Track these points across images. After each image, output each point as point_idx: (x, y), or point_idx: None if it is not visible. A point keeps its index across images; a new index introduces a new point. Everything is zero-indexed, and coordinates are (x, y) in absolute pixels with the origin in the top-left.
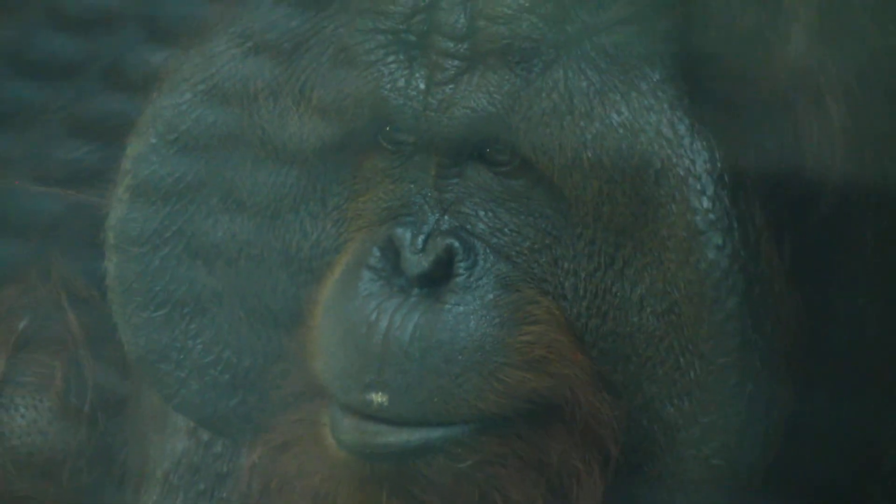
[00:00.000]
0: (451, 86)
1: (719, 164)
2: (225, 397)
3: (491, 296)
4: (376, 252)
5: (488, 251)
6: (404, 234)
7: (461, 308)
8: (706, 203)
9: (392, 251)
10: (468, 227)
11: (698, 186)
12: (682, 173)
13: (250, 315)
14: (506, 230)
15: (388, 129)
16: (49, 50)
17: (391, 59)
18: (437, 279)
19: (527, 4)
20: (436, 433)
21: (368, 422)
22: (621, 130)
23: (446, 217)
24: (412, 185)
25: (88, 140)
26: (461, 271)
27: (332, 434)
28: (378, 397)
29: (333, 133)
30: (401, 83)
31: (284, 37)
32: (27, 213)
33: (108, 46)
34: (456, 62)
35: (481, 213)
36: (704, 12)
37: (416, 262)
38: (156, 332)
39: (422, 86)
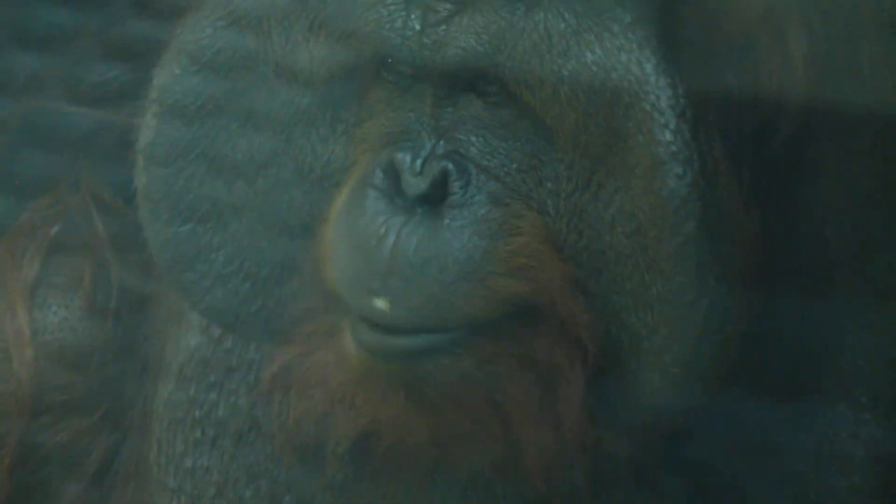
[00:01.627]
0: (443, 27)
1: (682, 101)
2: (246, 304)
3: (482, 211)
4: (379, 173)
5: (480, 172)
6: (404, 158)
7: (456, 223)
8: (668, 136)
9: (393, 173)
10: (461, 151)
11: (662, 120)
12: (647, 108)
13: (268, 228)
14: (495, 153)
15: (389, 61)
16: None
17: (390, 1)
18: (435, 199)
19: None
20: (437, 336)
21: (378, 328)
22: (594, 68)
23: (442, 142)
24: (411, 114)
25: (118, 62)
26: (456, 190)
27: (352, 337)
28: (381, 303)
29: (340, 65)
30: (398, 24)
31: None
32: (60, 130)
33: None
34: (447, 5)
35: (473, 139)
36: None
37: (416, 184)
38: (182, 246)
39: (417, 26)
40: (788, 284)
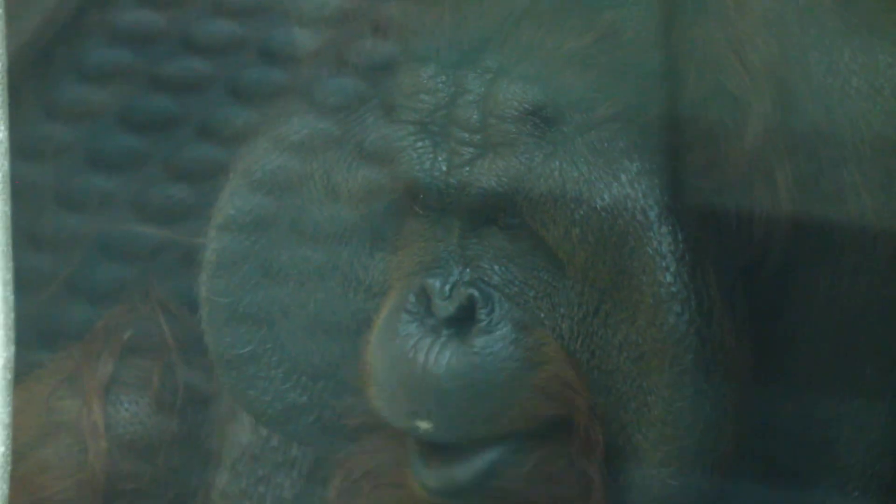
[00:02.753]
0: (467, 168)
1: (682, 246)
2: (304, 415)
3: (511, 338)
4: (412, 298)
5: (503, 299)
6: (434, 284)
7: (487, 350)
8: (669, 278)
9: (425, 297)
10: (485, 279)
11: (663, 264)
12: (651, 252)
13: (320, 346)
14: (516, 282)
15: (420, 198)
16: (150, 108)
17: (419, 144)
18: (462, 320)
19: (530, 108)
20: (497, 452)
21: (447, 466)
22: (604, 214)
23: (468, 270)
24: (440, 244)
25: (182, 184)
26: (482, 317)
27: (414, 475)
28: (424, 424)
29: (378, 202)
30: (427, 165)
31: (341, 104)
32: (130, 246)
33: (199, 106)
34: (471, 149)
35: (496, 268)
36: (673, 112)
37: (444, 308)
38: (244, 365)
39: (444, 168)
40: (785, 387)
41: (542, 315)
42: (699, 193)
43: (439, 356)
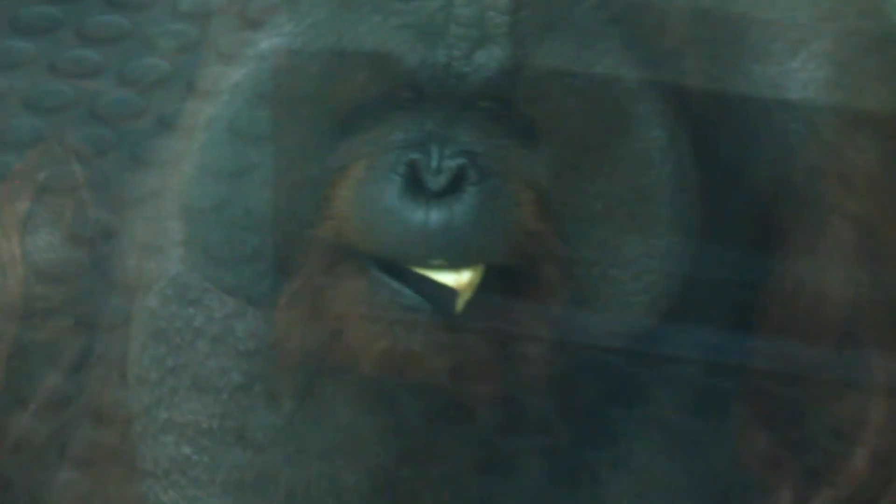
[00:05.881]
0: (464, 61)
1: (665, 107)
2: (259, 279)
3: (494, 190)
4: (402, 167)
5: (486, 162)
6: (421, 160)
7: (478, 200)
8: (659, 133)
9: (413, 170)
10: (469, 150)
11: (655, 121)
12: (643, 112)
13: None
14: (498, 149)
15: (414, 89)
16: None
17: (419, 44)
18: (452, 190)
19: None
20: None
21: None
22: (598, 85)
23: (452, 145)
24: (424, 124)
25: (91, 45)
26: (471, 175)
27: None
28: (437, 261)
29: (363, 89)
30: (429, 60)
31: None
32: (47, 99)
33: None
34: (468, 43)
35: (478, 140)
36: None
37: (435, 181)
38: (221, 251)
39: (443, 60)
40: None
41: (521, 172)
42: (664, 64)
43: (438, 212)
